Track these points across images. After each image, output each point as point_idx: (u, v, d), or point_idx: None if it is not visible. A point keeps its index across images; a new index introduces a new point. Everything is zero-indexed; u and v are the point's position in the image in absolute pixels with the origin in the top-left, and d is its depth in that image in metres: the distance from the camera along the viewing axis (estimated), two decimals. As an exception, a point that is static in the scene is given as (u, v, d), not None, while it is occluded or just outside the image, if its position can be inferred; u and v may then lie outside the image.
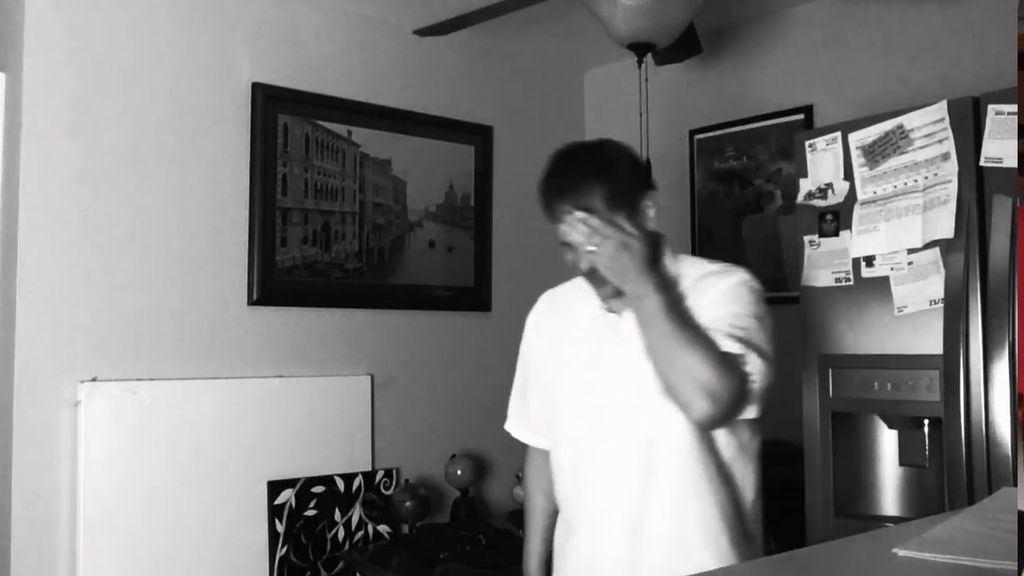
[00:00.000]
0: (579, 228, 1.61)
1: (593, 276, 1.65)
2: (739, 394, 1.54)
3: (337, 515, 2.93)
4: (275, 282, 2.92)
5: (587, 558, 1.69)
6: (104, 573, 2.50)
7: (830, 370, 2.26)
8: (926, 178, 2.09)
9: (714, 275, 1.67)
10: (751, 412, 1.59)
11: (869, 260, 2.19)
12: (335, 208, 3.09)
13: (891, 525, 1.88)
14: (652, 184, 1.70)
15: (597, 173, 1.65)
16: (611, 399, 1.67)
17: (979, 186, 2.02)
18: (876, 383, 2.17)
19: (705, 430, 1.60)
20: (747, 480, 1.70)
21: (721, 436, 1.64)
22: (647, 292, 1.57)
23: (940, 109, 2.08)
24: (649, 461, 1.64)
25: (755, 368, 1.56)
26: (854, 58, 3.06)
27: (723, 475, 1.66)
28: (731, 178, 3.39)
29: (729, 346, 1.55)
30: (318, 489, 2.90)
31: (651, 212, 1.67)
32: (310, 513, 2.87)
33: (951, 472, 1.99)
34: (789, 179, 3.11)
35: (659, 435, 1.63)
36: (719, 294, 1.64)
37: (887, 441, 2.28)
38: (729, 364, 1.53)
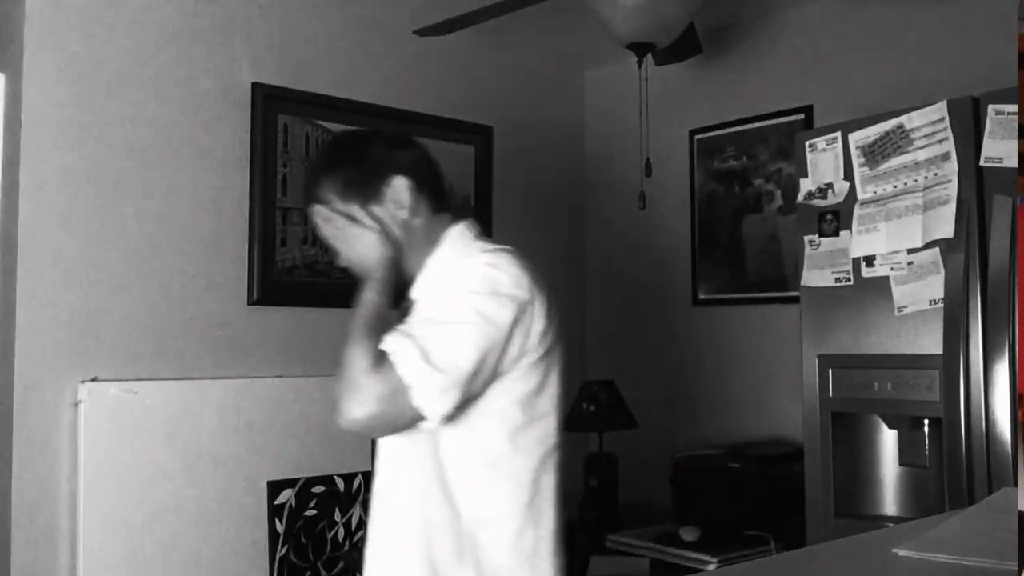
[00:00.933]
0: (317, 221, 1.60)
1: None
2: (387, 396, 1.37)
3: (337, 515, 2.93)
4: (275, 282, 2.92)
5: None
6: (104, 573, 2.49)
7: (830, 370, 2.26)
8: (926, 178, 2.09)
9: (465, 260, 1.54)
10: (426, 421, 1.39)
11: (869, 260, 2.19)
12: (335, 208, 3.09)
13: (891, 525, 1.88)
14: (411, 172, 1.58)
15: (328, 165, 1.62)
16: None
17: (979, 186, 2.02)
18: (876, 383, 2.17)
19: (367, 436, 1.45)
20: (495, 506, 1.49)
21: (465, 450, 1.48)
22: (366, 284, 1.52)
23: (940, 109, 2.08)
24: (387, 474, 1.58)
25: (409, 368, 1.37)
26: (854, 58, 3.06)
27: (447, 497, 1.48)
28: (731, 178, 3.39)
29: (387, 343, 1.40)
30: (318, 489, 2.90)
31: (404, 199, 1.56)
32: (310, 513, 2.87)
33: (951, 472, 1.99)
34: (789, 179, 3.12)
35: (396, 447, 1.54)
36: (445, 284, 1.51)
37: (887, 441, 2.28)
38: (379, 363, 1.38)
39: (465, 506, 1.48)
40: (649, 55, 2.64)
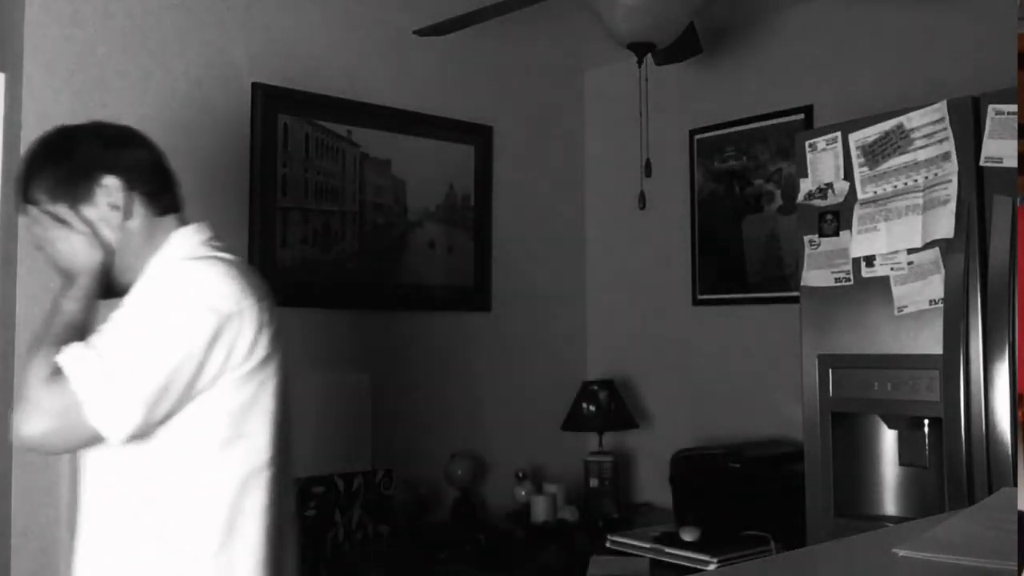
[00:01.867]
0: (26, 223, 1.52)
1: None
2: (60, 411, 1.30)
3: (337, 515, 2.93)
4: (275, 282, 2.91)
5: None
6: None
7: (830, 370, 2.26)
8: (926, 178, 2.09)
9: (171, 268, 1.46)
10: (108, 439, 1.33)
11: (869, 260, 2.19)
12: (335, 208, 3.09)
13: (891, 525, 1.88)
14: (127, 171, 1.49)
15: (37, 162, 1.50)
16: None
17: (979, 186, 2.02)
18: (876, 383, 2.17)
19: (46, 453, 1.39)
20: (191, 524, 1.41)
21: (163, 466, 1.41)
22: (63, 290, 1.44)
23: (940, 109, 2.08)
24: (91, 488, 1.50)
25: (84, 383, 1.30)
26: (854, 58, 3.06)
27: (145, 513, 1.42)
28: (731, 178, 3.39)
29: (65, 355, 1.33)
30: (318, 489, 2.89)
31: (118, 200, 1.48)
32: (310, 513, 2.87)
33: (951, 472, 1.99)
34: (789, 179, 3.12)
35: (100, 459, 1.45)
36: (146, 292, 1.42)
37: (887, 441, 2.28)
38: (55, 377, 1.31)
39: (162, 523, 1.42)
40: (649, 55, 2.64)
